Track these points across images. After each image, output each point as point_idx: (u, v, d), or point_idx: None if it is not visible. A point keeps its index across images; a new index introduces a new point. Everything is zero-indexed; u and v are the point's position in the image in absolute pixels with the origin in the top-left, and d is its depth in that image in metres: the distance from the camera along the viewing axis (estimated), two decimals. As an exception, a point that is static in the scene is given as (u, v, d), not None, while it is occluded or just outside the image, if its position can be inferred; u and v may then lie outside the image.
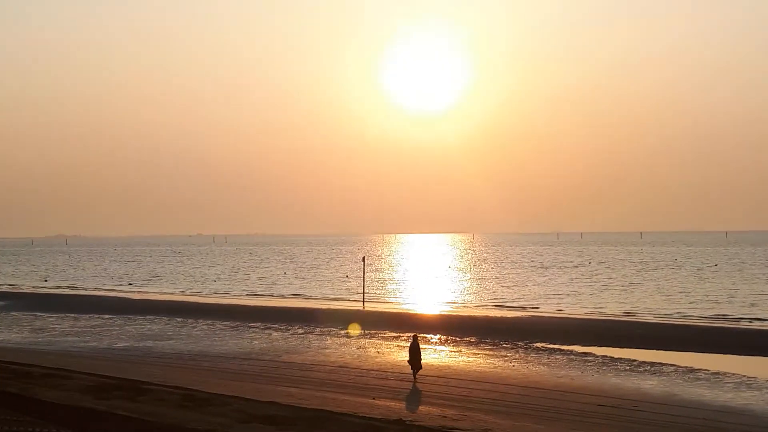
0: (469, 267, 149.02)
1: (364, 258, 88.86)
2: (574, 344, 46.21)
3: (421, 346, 35.64)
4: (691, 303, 72.43)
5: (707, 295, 79.31)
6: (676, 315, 63.45)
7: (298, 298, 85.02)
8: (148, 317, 62.62)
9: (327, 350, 44.31)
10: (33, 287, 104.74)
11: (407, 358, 34.52)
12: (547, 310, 68.98)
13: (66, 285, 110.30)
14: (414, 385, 32.83)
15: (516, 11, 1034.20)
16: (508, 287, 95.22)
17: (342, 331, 52.49)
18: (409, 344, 35.22)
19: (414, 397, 30.20)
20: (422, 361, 34.65)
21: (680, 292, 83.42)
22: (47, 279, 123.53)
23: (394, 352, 43.21)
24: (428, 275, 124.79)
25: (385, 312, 66.29)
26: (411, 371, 34.09)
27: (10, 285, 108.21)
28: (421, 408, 27.62)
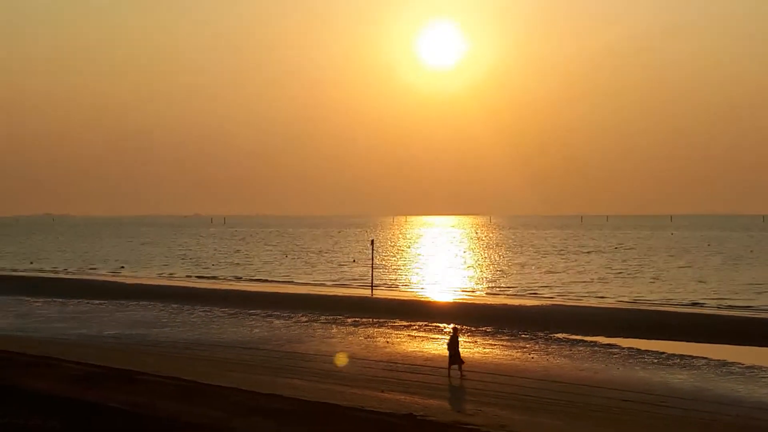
0: (485, 251, 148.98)
1: (372, 241, 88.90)
2: (597, 335, 46.20)
3: (435, 336, 35.67)
4: (723, 292, 72.29)
5: (741, 284, 79.14)
6: (708, 305, 63.37)
7: (301, 283, 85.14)
8: (141, 303, 62.82)
9: (332, 339, 44.41)
10: (18, 270, 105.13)
11: (448, 352, 33.69)
12: (569, 298, 68.96)
13: (53, 268, 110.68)
14: (450, 380, 32.34)
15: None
16: (527, 274, 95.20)
17: (349, 319, 52.60)
18: (449, 336, 34.47)
19: (425, 390, 30.24)
20: (436, 352, 34.66)
21: (713, 280, 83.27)
22: (33, 261, 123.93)
23: (405, 342, 43.29)
24: (441, 260, 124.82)
25: (394, 299, 66.35)
26: (448, 366, 33.33)
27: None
28: (432, 402, 27.66)
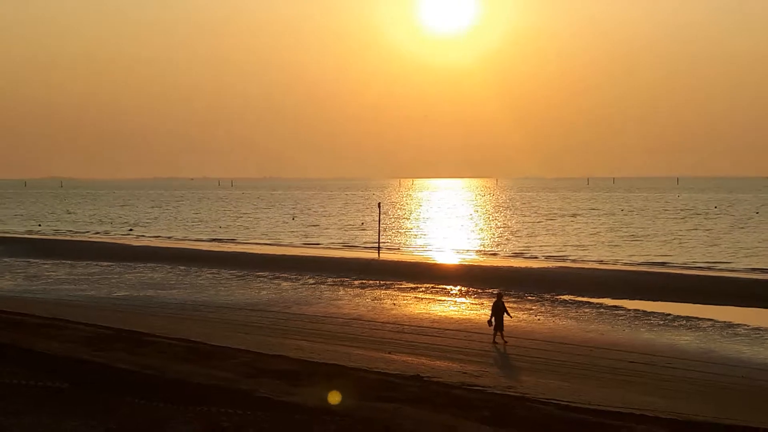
0: (491, 214, 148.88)
1: (379, 204, 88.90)
2: (603, 297, 46.18)
3: (442, 298, 35.49)
4: (729, 254, 72.21)
5: (747, 246, 79.02)
6: (714, 266, 63.31)
7: (308, 246, 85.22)
8: (149, 265, 62.91)
9: (339, 302, 44.47)
10: (26, 232, 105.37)
11: (489, 318, 32.68)
12: (576, 260, 68.94)
13: (61, 230, 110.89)
14: (494, 347, 31.82)
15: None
16: (533, 236, 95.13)
17: (356, 281, 52.65)
18: (493, 302, 33.53)
19: (432, 351, 30.28)
20: (443, 314, 34.53)
21: (719, 243, 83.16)
22: (41, 224, 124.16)
23: (411, 304, 43.32)
24: (448, 223, 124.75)
25: (401, 261, 66.39)
26: (493, 333, 32.50)
27: (2, 230, 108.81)
28: (439, 363, 27.70)
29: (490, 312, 32.84)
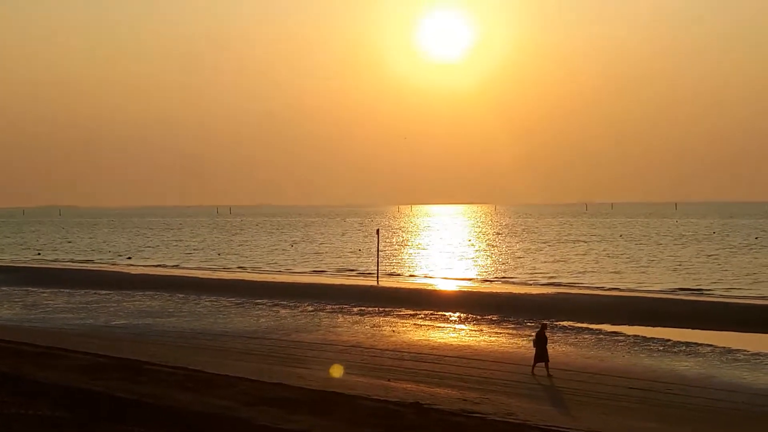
0: (491, 240, 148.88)
1: (378, 231, 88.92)
2: (603, 323, 46.15)
3: (441, 325, 35.38)
4: (728, 279, 72.18)
5: (746, 271, 79.01)
6: (713, 292, 63.27)
7: (307, 273, 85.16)
8: (147, 293, 62.85)
9: (338, 329, 44.41)
10: (25, 260, 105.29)
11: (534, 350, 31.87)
12: (574, 286, 68.89)
13: (60, 258, 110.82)
14: (534, 377, 31.13)
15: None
16: (532, 262, 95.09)
17: (355, 308, 52.60)
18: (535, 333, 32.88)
19: (432, 378, 30.22)
20: (442, 341, 34.42)
21: (717, 268, 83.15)
22: (40, 252, 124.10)
23: (410, 331, 43.27)
24: (447, 249, 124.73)
25: (400, 288, 66.32)
26: (532, 364, 31.74)
27: (0, 258, 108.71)
28: (439, 390, 27.63)
29: (534, 344, 31.93)
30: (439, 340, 39.89)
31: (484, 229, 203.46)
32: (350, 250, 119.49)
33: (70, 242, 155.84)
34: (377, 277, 76.15)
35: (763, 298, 59.58)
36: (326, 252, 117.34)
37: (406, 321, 47.30)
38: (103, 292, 64.22)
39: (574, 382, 29.95)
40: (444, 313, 50.08)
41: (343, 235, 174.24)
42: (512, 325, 45.50)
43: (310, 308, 53.18)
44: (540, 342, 31.72)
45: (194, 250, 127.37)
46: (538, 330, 32.73)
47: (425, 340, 40.16)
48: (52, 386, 23.39)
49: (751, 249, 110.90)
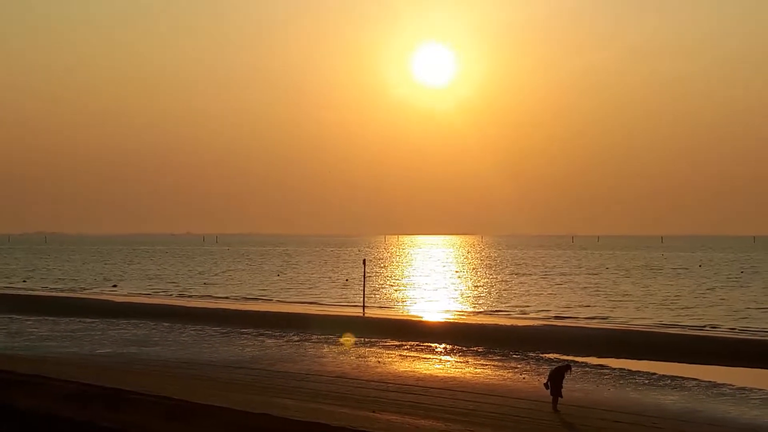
0: (477, 271, 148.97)
1: (364, 261, 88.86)
2: (588, 356, 46.18)
3: (427, 356, 35.21)
4: (714, 313, 72.33)
5: (732, 305, 79.22)
6: (698, 326, 63.37)
7: (293, 302, 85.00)
8: (132, 321, 62.61)
9: (324, 359, 44.30)
10: (9, 287, 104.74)
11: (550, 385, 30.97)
12: (561, 318, 68.92)
13: (46, 285, 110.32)
14: (558, 414, 30.29)
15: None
16: (518, 294, 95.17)
17: (340, 339, 52.48)
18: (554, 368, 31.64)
19: (417, 410, 30.13)
20: (428, 372, 34.30)
21: (703, 302, 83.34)
22: (26, 279, 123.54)
23: (396, 362, 43.19)
24: (433, 280, 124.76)
25: (386, 319, 66.28)
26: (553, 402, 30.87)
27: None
28: (424, 422, 27.55)
29: (549, 378, 31.24)
30: (424, 371, 39.82)
31: (470, 260, 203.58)
32: (336, 280, 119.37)
33: (55, 269, 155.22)
34: (363, 307, 76.07)
35: (749, 331, 59.75)
36: (312, 281, 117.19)
37: (391, 352, 47.22)
38: (88, 320, 63.93)
39: (560, 415, 29.89)
40: (430, 344, 50.02)
41: (329, 264, 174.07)
42: (498, 357, 45.47)
43: (295, 338, 53.06)
44: (557, 376, 30.82)
45: (181, 277, 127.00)
46: (560, 366, 31.96)
47: (411, 371, 40.08)
48: (35, 415, 23.25)
49: (739, 282, 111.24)
